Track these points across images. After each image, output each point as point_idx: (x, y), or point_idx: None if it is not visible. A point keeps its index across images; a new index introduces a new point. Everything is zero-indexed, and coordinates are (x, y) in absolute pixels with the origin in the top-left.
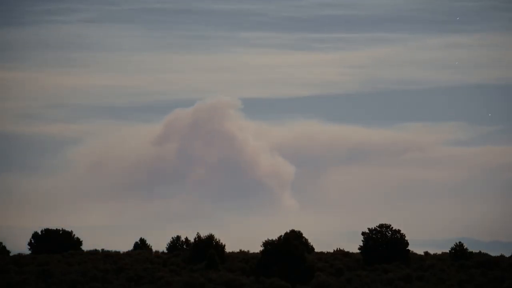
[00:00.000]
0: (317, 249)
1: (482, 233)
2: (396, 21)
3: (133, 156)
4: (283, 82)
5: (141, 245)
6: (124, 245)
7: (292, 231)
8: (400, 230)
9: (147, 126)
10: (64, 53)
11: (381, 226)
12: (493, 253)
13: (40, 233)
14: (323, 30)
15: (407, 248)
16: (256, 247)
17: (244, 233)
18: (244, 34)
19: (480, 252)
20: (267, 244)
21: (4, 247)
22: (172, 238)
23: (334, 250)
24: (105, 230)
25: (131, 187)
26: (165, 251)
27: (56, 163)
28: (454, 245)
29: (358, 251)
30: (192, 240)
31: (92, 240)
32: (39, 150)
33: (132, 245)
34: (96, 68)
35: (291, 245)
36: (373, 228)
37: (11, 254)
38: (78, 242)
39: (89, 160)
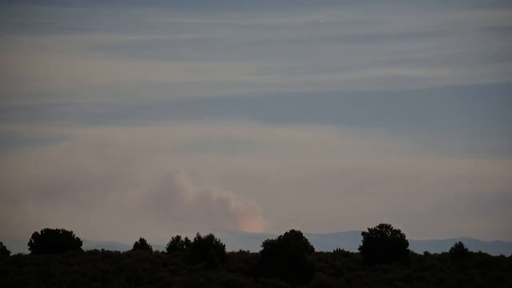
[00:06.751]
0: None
1: (482, 233)
2: None
3: None
4: None
5: (141, 245)
6: (124, 245)
7: (292, 231)
8: (400, 230)
9: None
10: None
11: (381, 226)
12: (493, 253)
13: (40, 233)
14: None
15: (407, 248)
16: None
17: None
18: None
19: (480, 252)
20: (267, 244)
21: (4, 247)
22: (172, 238)
23: (334, 250)
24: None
25: None
26: (165, 251)
27: None
28: (454, 245)
29: (358, 251)
30: (192, 240)
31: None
32: None
33: (132, 245)
34: None
35: (291, 245)
36: (373, 228)
37: (11, 254)
38: (78, 242)
39: None
